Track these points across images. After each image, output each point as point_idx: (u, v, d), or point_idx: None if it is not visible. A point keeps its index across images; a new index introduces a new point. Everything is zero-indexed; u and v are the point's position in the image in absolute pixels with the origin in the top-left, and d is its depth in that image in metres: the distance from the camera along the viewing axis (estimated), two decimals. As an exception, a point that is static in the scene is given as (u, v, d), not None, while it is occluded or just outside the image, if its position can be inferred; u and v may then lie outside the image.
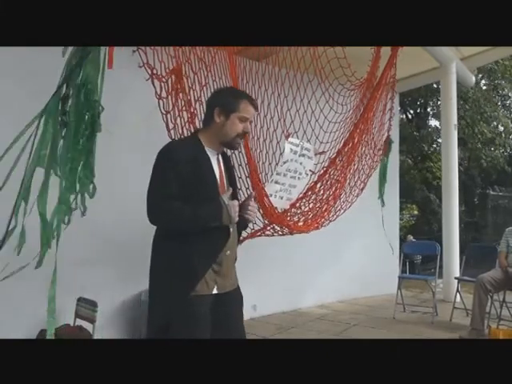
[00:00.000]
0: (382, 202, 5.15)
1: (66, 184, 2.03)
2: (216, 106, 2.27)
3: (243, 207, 2.31)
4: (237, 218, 2.18)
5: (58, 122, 1.99)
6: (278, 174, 3.46)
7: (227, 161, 2.44)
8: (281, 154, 3.54)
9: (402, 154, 11.12)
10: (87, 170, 2.11)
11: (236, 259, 2.42)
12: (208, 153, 2.26)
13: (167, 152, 2.19)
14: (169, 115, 2.85)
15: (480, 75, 12.50)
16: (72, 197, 2.11)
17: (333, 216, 4.22)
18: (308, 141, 3.74)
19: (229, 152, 2.63)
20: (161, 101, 2.79)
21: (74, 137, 2.02)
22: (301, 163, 3.54)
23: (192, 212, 2.12)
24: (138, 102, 3.76)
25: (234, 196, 2.38)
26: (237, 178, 2.62)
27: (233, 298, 2.33)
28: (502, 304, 5.17)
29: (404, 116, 14.11)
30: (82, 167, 2.08)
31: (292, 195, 3.60)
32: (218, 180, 2.26)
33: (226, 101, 2.28)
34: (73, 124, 2.00)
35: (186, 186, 2.14)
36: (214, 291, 2.22)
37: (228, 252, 2.26)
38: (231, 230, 2.27)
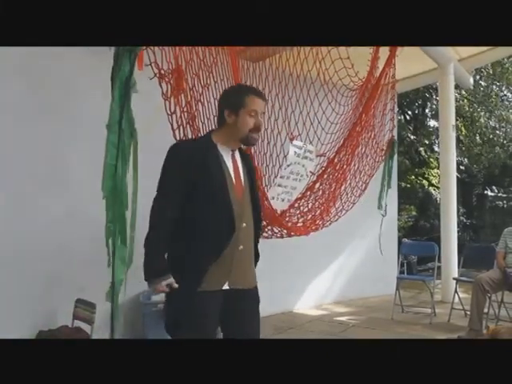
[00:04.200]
0: (382, 209, 4.76)
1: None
2: (225, 107, 2.33)
3: None
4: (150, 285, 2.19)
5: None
6: (281, 177, 3.46)
7: (246, 159, 2.47)
8: (284, 156, 3.54)
9: (400, 155, 11.13)
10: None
11: (258, 256, 2.45)
12: (221, 152, 2.30)
13: (173, 152, 2.25)
14: (174, 116, 2.85)
15: (478, 76, 12.53)
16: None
17: (334, 217, 4.21)
18: (310, 142, 3.74)
19: None
20: (166, 101, 2.78)
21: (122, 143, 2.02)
22: (303, 165, 3.54)
23: (155, 235, 2.16)
24: (139, 101, 3.76)
25: (254, 191, 2.42)
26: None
27: (247, 297, 2.34)
28: (500, 304, 5.18)
29: (402, 117, 14.11)
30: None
31: (293, 197, 3.60)
32: (233, 178, 2.30)
33: (232, 100, 2.33)
34: (127, 132, 1.99)
35: (193, 185, 2.19)
36: (225, 287, 2.24)
37: (241, 247, 2.27)
38: (243, 225, 2.29)
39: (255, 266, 2.48)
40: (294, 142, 3.47)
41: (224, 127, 2.34)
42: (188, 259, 2.19)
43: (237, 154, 2.38)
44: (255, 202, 2.42)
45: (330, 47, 3.34)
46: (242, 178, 2.35)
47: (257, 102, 2.31)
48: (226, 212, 2.22)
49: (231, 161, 2.33)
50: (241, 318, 2.32)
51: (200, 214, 2.21)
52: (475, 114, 13.17)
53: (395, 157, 4.78)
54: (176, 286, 2.16)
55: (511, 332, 3.41)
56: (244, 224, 2.29)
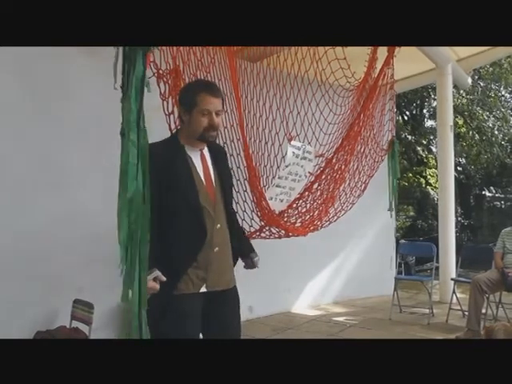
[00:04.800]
0: (392, 212, 4.68)
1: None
2: (179, 106, 2.31)
3: None
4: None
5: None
6: (279, 177, 3.45)
7: (219, 155, 2.43)
8: (283, 157, 3.53)
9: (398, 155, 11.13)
10: None
11: (237, 259, 2.44)
12: (189, 153, 2.27)
13: None
14: (171, 116, 2.84)
15: (477, 76, 12.56)
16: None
17: (333, 217, 4.20)
18: (309, 143, 3.73)
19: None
20: (164, 102, 2.77)
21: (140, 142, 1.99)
22: (302, 166, 3.53)
23: None
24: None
25: (227, 191, 2.39)
26: (232, 173, 2.62)
27: (227, 297, 2.33)
28: (498, 305, 5.18)
29: (400, 117, 14.13)
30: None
31: (291, 197, 3.59)
32: (203, 179, 2.27)
33: (184, 99, 2.29)
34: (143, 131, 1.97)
35: (162, 188, 2.14)
36: (203, 289, 2.23)
37: (217, 249, 2.26)
38: (217, 226, 2.26)
39: (256, 260, 2.51)
40: (293, 142, 3.47)
41: (183, 127, 2.32)
42: (163, 262, 2.15)
43: (206, 153, 2.34)
44: (228, 201, 2.40)
45: (326, 47, 3.34)
46: (213, 178, 2.32)
47: (209, 101, 2.24)
48: (196, 215, 2.20)
49: (200, 161, 2.30)
50: (221, 319, 2.31)
51: (171, 218, 2.18)
52: (474, 112, 13.20)
53: (397, 157, 4.76)
54: (164, 278, 2.10)
55: (506, 329, 3.41)
56: (218, 225, 2.28)
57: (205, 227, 2.22)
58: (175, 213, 2.18)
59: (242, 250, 2.49)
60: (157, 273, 2.09)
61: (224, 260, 2.33)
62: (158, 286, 2.09)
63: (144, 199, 1.85)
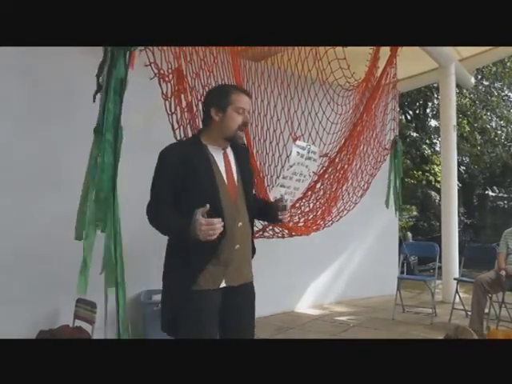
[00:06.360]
0: (394, 211, 4.79)
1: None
2: (211, 105, 2.32)
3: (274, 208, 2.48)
4: (204, 237, 2.06)
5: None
6: (284, 177, 3.44)
7: (242, 154, 2.45)
8: (287, 156, 3.52)
9: (401, 154, 11.12)
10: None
11: (254, 251, 2.47)
12: (212, 151, 2.29)
13: (163, 156, 2.25)
14: (174, 116, 2.84)
15: (480, 76, 12.54)
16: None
17: (336, 216, 4.20)
18: (313, 143, 3.73)
19: None
20: (166, 101, 2.77)
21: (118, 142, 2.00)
22: (306, 166, 3.52)
23: (170, 221, 2.18)
24: (139, 101, 3.76)
25: (248, 189, 2.41)
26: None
27: (243, 291, 2.37)
28: (501, 305, 5.17)
29: (403, 117, 14.10)
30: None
31: (295, 197, 3.59)
32: (225, 179, 2.29)
33: (217, 97, 2.32)
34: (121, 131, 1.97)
35: (183, 189, 2.19)
36: (222, 285, 2.26)
37: (237, 246, 2.28)
38: (239, 224, 2.28)
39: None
40: (297, 142, 3.45)
41: (211, 126, 2.33)
42: (183, 259, 2.20)
43: (229, 152, 2.37)
44: (251, 199, 2.41)
45: (327, 47, 3.33)
46: (236, 177, 2.34)
47: (242, 99, 2.32)
48: (216, 213, 2.18)
49: (223, 160, 2.32)
50: (237, 312, 2.34)
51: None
52: (478, 112, 13.17)
53: (400, 156, 4.75)
54: (207, 207, 2.07)
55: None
56: (240, 223, 2.30)
57: (224, 225, 2.20)
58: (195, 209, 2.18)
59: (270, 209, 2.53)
60: (198, 210, 2.06)
61: (244, 256, 2.37)
62: (214, 220, 2.07)
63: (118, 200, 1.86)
